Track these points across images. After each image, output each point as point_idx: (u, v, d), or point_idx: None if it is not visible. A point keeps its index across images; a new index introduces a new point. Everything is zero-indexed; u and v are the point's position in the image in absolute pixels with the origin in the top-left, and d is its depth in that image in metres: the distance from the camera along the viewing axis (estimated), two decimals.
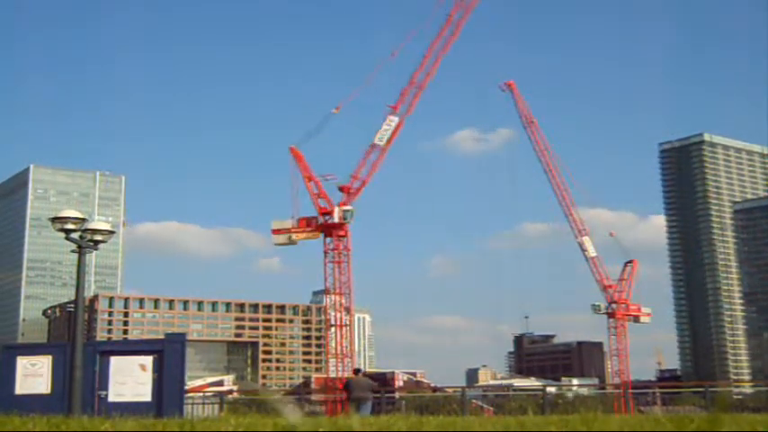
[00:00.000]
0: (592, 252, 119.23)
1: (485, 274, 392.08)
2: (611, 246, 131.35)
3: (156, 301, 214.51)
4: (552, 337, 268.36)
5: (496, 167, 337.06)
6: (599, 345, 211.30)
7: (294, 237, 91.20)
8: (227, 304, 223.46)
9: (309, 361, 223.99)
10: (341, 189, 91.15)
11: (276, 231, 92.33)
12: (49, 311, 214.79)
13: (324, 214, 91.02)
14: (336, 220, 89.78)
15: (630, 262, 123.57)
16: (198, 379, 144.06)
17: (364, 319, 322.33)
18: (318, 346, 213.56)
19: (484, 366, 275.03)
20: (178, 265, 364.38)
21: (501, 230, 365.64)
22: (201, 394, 51.86)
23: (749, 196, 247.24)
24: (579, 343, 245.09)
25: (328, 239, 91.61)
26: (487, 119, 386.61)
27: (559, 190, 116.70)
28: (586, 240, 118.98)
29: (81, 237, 20.73)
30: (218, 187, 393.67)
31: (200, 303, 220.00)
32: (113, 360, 21.07)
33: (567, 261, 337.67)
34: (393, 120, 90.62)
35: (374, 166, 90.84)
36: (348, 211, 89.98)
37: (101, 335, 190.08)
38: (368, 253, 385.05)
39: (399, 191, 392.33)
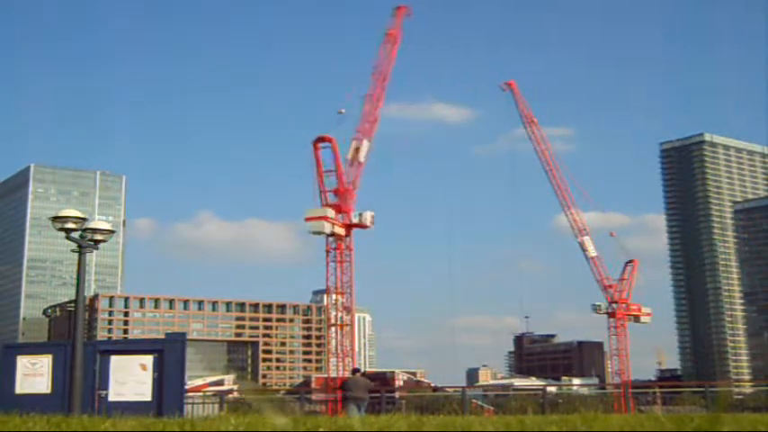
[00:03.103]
0: (592, 252, 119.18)
1: (486, 274, 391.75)
2: (612, 245, 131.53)
3: (157, 301, 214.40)
4: (553, 336, 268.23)
5: (499, 168, 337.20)
6: (599, 345, 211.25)
7: (329, 225, 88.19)
8: (228, 304, 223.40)
9: (310, 360, 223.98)
10: (346, 190, 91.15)
11: (310, 219, 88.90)
12: (50, 311, 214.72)
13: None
14: (368, 223, 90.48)
15: (631, 262, 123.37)
16: (198, 378, 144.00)
17: (364, 318, 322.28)
18: (319, 345, 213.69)
19: (484, 366, 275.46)
20: (178, 265, 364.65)
21: (502, 231, 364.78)
22: (202, 394, 51.77)
23: (749, 196, 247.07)
24: (579, 343, 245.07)
25: (330, 239, 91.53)
26: (488, 120, 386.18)
27: (560, 190, 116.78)
28: (587, 240, 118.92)
29: (81, 236, 20.68)
30: (219, 187, 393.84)
31: (200, 303, 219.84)
32: (114, 359, 21.03)
33: (567, 261, 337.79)
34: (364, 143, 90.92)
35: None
36: (372, 215, 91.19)
37: (101, 334, 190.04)
38: (371, 253, 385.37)
39: (404, 191, 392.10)
